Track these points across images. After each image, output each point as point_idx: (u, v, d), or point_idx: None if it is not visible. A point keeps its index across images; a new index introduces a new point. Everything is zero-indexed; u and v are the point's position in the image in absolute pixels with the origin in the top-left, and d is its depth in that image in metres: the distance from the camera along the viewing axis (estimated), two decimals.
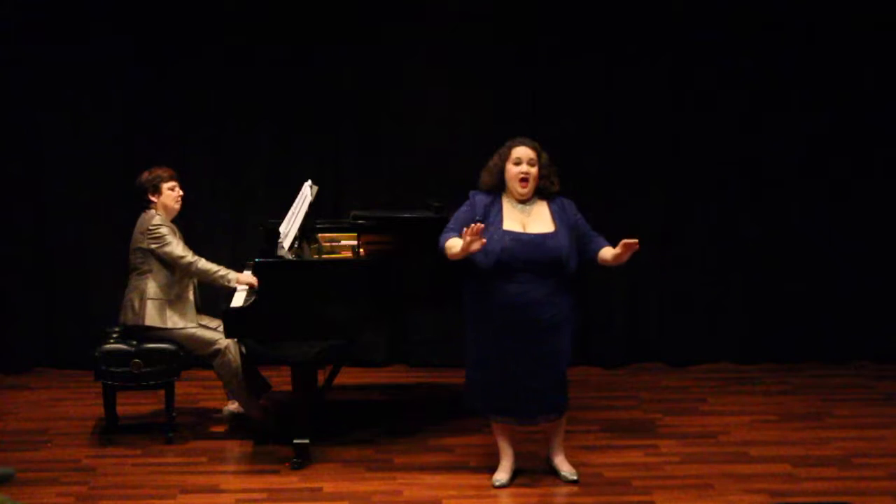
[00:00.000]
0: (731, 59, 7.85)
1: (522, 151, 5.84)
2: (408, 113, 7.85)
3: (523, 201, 5.86)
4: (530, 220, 5.83)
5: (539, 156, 5.86)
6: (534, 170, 5.83)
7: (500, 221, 5.80)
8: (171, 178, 6.62)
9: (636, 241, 5.68)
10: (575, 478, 6.00)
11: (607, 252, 5.83)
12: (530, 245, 5.75)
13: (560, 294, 5.80)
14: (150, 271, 6.53)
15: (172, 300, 6.54)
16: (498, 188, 5.89)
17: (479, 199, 5.89)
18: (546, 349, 5.82)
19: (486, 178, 5.92)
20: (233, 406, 6.80)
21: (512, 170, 5.84)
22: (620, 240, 5.72)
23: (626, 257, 5.75)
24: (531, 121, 7.71)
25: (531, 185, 5.83)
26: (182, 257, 6.49)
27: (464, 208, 5.90)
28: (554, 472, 6.06)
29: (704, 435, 6.72)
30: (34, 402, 7.28)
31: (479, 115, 7.82)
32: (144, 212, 6.61)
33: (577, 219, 5.89)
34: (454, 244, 5.75)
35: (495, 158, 5.91)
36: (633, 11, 7.80)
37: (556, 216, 5.84)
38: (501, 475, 6.00)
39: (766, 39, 7.85)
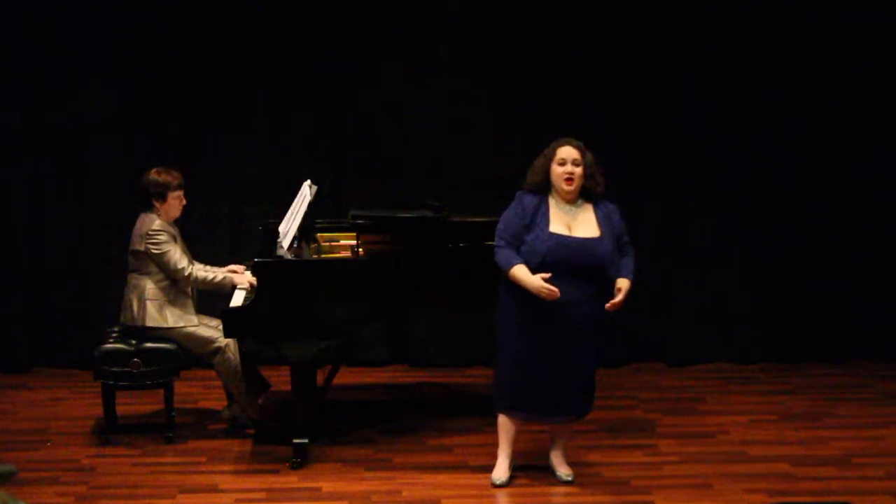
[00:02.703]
0: (732, 59, 7.86)
1: (567, 152, 5.83)
2: (408, 113, 7.85)
3: (569, 203, 5.85)
4: (576, 223, 5.81)
5: (583, 155, 5.85)
6: (578, 169, 5.82)
7: (547, 224, 5.79)
8: (178, 187, 6.56)
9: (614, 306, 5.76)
10: (570, 479, 6.01)
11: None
12: (576, 249, 5.74)
13: (598, 298, 5.78)
14: (149, 272, 6.51)
15: (172, 300, 6.53)
16: (544, 188, 5.88)
17: (528, 200, 5.85)
18: (576, 351, 5.81)
19: (532, 177, 5.89)
20: (234, 409, 6.79)
21: (557, 169, 5.82)
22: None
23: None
24: (531, 120, 7.71)
25: (577, 183, 5.82)
26: (180, 268, 6.46)
27: (512, 212, 5.85)
28: (551, 471, 6.06)
29: (704, 435, 6.72)
30: (34, 402, 7.28)
31: (480, 115, 7.81)
32: (145, 213, 6.57)
33: (621, 229, 5.89)
34: (522, 277, 5.69)
35: (541, 159, 5.89)
36: (633, 11, 7.80)
37: (602, 222, 5.83)
38: (500, 474, 6.00)
39: (769, 38, 7.86)
